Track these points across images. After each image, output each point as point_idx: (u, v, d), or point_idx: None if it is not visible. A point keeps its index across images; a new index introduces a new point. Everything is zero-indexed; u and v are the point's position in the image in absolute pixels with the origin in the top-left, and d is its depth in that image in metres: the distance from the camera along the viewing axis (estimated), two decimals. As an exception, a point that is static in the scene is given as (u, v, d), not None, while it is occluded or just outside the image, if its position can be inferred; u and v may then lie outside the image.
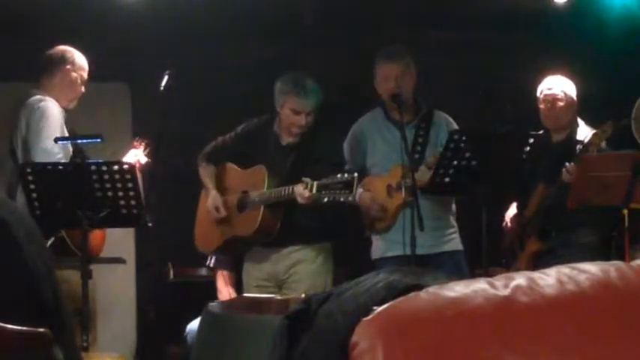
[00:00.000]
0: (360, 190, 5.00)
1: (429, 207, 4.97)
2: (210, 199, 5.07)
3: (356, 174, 4.52)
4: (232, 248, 5.13)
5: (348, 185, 4.44)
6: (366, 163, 5.16)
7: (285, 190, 4.75)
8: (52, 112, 4.89)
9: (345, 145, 5.21)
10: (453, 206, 5.20)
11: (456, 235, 5.17)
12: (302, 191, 4.61)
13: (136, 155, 5.09)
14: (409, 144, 4.88)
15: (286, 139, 4.99)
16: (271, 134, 5.01)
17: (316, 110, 4.90)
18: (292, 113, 4.89)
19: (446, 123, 5.17)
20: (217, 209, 5.04)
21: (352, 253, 5.42)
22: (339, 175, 4.51)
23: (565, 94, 5.32)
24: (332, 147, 4.98)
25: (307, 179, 4.60)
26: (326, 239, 5.04)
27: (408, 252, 4.72)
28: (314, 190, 4.56)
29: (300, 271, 4.94)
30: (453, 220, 5.18)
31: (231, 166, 5.14)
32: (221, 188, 5.13)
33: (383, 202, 5.04)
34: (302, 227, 4.91)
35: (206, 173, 5.15)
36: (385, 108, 5.14)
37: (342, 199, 4.49)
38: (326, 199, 4.53)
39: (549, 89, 5.34)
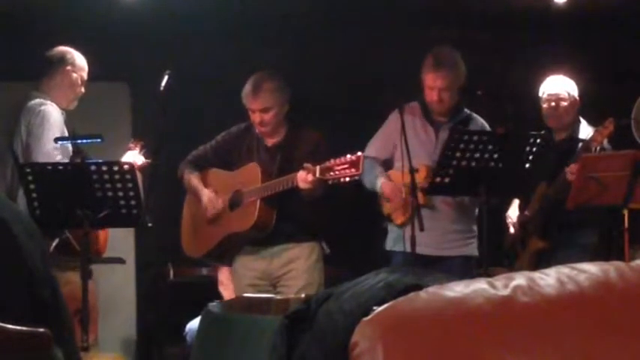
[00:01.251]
0: (382, 179, 5.04)
1: (450, 210, 5.01)
2: (205, 197, 5.07)
3: (360, 153, 4.53)
4: (225, 249, 5.12)
5: (355, 164, 4.46)
6: (395, 155, 5.15)
7: (285, 180, 4.76)
8: (52, 115, 4.91)
9: (379, 133, 5.21)
10: (476, 210, 5.14)
11: (474, 240, 5.13)
12: (305, 176, 4.61)
13: (133, 156, 5.09)
14: (440, 145, 4.90)
15: (271, 140, 5.02)
16: (254, 137, 5.04)
17: (275, 109, 4.92)
18: (250, 112, 4.97)
19: (480, 126, 5.17)
20: (213, 203, 5.03)
21: (363, 245, 5.43)
22: (342, 158, 4.53)
23: (568, 94, 5.34)
24: (318, 146, 4.98)
25: (308, 165, 4.62)
26: (315, 238, 5.04)
27: (422, 251, 4.73)
28: (317, 174, 4.57)
29: (297, 267, 4.95)
30: (472, 225, 5.14)
31: (217, 170, 5.15)
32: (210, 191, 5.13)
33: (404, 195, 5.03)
34: (294, 225, 4.92)
35: (192, 178, 5.15)
36: (425, 106, 5.12)
37: (347, 179, 4.50)
38: (330, 182, 4.55)
39: (553, 89, 5.35)
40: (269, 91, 4.93)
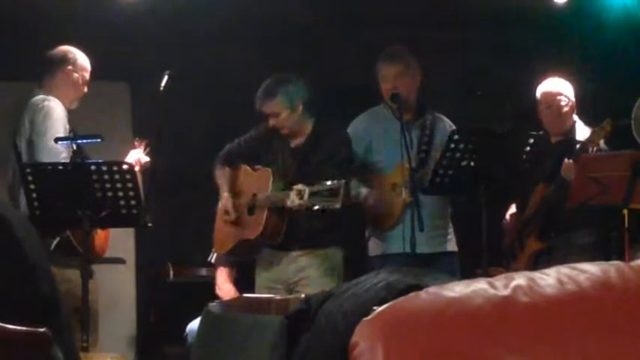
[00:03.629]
0: (365, 189, 5.02)
1: (431, 206, 4.99)
2: (221, 201, 5.06)
3: (343, 181, 4.49)
4: (243, 251, 5.10)
5: (335, 193, 4.44)
6: (370, 159, 5.15)
7: (276, 199, 4.76)
8: (56, 111, 4.90)
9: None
10: (449, 209, 5.24)
11: (453, 237, 5.24)
12: (293, 198, 4.59)
13: (137, 155, 5.09)
14: (415, 143, 4.97)
15: (294, 141, 5.01)
16: (280, 136, 5.02)
17: (284, 113, 4.91)
18: (268, 115, 4.96)
19: (448, 125, 5.21)
20: (227, 212, 5.02)
21: (352, 252, 5.42)
22: (328, 182, 4.49)
23: (569, 98, 5.34)
24: (339, 146, 4.96)
25: (300, 186, 4.58)
26: (333, 244, 5.00)
27: (408, 250, 4.73)
28: (305, 197, 4.53)
29: (310, 275, 4.90)
30: (448, 222, 5.24)
31: (245, 169, 5.11)
32: (236, 191, 5.09)
33: (389, 199, 5.03)
34: (307, 232, 4.88)
35: (220, 176, 5.11)
36: (391, 107, 5.14)
37: (326, 208, 4.48)
38: (317, 207, 4.53)
39: (554, 95, 5.34)
40: (275, 97, 4.91)
